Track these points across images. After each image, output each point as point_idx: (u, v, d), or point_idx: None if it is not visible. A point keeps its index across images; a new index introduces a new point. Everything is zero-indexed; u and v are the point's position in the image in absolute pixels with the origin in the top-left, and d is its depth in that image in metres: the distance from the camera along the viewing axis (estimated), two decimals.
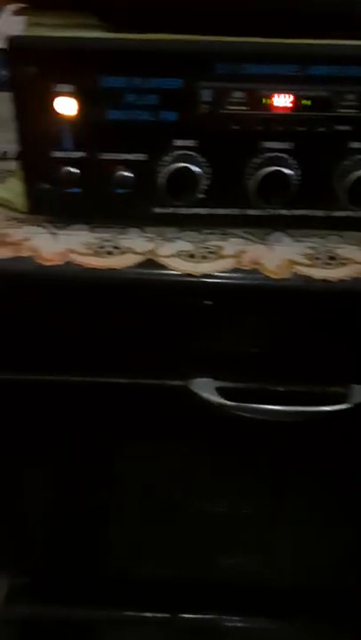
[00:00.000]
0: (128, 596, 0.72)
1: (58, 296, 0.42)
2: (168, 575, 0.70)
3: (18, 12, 0.57)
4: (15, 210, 0.48)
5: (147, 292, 0.41)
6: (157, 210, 0.44)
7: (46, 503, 0.64)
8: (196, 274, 0.40)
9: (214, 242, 0.44)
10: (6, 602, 0.70)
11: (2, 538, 0.69)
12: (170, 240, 0.44)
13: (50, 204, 0.45)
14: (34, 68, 0.39)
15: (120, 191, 0.43)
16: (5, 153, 0.53)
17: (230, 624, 0.72)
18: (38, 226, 0.46)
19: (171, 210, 0.44)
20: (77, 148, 0.42)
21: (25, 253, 0.42)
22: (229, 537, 0.65)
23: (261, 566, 0.68)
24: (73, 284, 0.41)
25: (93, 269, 0.41)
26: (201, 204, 0.44)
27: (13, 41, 0.38)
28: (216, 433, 0.50)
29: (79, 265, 0.41)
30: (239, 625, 0.72)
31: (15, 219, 0.47)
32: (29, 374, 0.46)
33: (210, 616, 0.72)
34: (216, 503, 0.63)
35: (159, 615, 0.71)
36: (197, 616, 0.71)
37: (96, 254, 0.42)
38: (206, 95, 0.40)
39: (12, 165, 0.54)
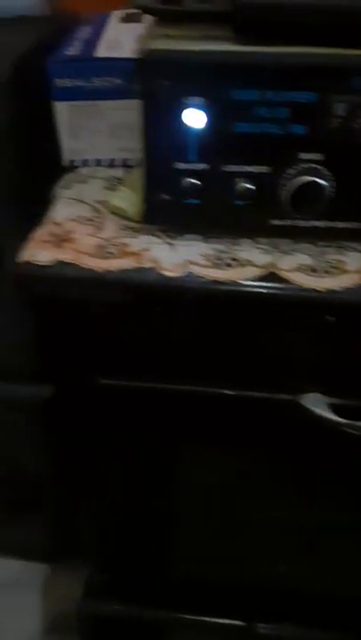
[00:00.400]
0: (200, 601, 0.73)
1: (178, 307, 0.42)
2: (242, 582, 0.70)
3: (126, 19, 0.59)
4: (128, 218, 0.49)
5: (268, 305, 0.41)
6: (275, 222, 0.44)
7: (133, 505, 0.65)
8: (321, 290, 0.40)
9: (334, 256, 0.43)
10: (84, 597, 0.72)
11: (86, 534, 0.70)
12: (287, 253, 0.44)
13: (167, 215, 0.45)
14: (166, 81, 0.39)
15: (240, 203, 0.43)
16: (126, 160, 0.54)
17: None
18: (152, 235, 0.46)
19: (289, 222, 0.44)
20: (201, 160, 0.42)
21: (146, 264, 0.42)
22: (312, 549, 0.64)
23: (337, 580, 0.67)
24: (194, 295, 0.41)
25: (214, 281, 0.41)
26: (320, 216, 0.44)
27: (148, 54, 0.39)
28: (317, 447, 0.49)
29: (200, 277, 0.41)
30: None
31: (129, 227, 0.48)
32: (143, 381, 0.46)
33: (281, 624, 0.72)
34: (298, 514, 0.62)
35: (232, 622, 0.71)
36: (270, 625, 0.71)
37: (215, 266, 0.42)
38: (340, 109, 0.39)
39: (119, 173, 0.55)
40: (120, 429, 0.52)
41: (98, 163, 0.55)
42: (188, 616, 0.73)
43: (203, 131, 0.41)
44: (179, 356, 0.45)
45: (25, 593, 0.85)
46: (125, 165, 0.56)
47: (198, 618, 0.73)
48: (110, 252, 0.44)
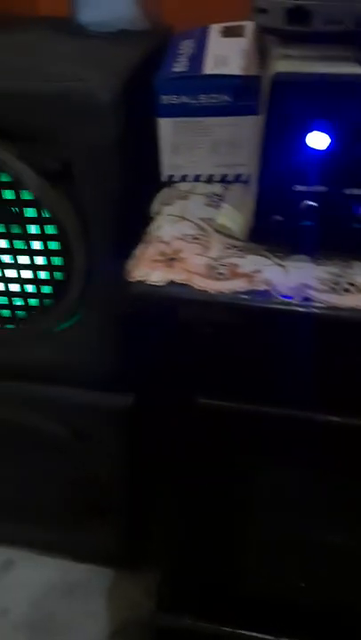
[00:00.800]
0: (266, 620, 0.72)
1: (289, 331, 0.42)
2: (309, 604, 0.69)
3: (227, 34, 0.58)
4: (232, 237, 0.49)
5: None
6: None
7: (206, 519, 0.65)
8: None
9: None
10: (157, 609, 0.72)
11: (157, 545, 0.71)
12: None
13: (278, 236, 0.45)
14: (293, 102, 0.39)
15: (358, 226, 0.42)
16: (225, 176, 0.54)
17: None
18: (261, 256, 0.46)
19: None
20: (321, 183, 0.41)
21: (260, 286, 0.42)
22: None
23: None
24: (312, 321, 0.40)
25: (333, 307, 0.40)
26: None
27: (278, 77, 0.38)
28: None
29: (317, 301, 0.41)
30: None
31: (235, 246, 0.47)
32: (242, 403, 0.46)
33: None
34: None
35: None
36: None
37: (333, 291, 0.41)
38: None
39: (217, 189, 0.55)
40: (210, 447, 0.52)
41: (196, 178, 0.55)
42: (256, 634, 0.72)
43: (325, 153, 0.40)
44: (284, 379, 0.45)
45: (91, 597, 0.86)
46: (223, 181, 0.55)
47: (265, 636, 0.72)
48: (221, 273, 0.44)
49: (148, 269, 0.44)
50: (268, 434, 0.50)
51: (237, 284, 0.42)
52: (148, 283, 0.43)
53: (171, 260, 0.45)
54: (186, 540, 0.68)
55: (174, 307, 0.43)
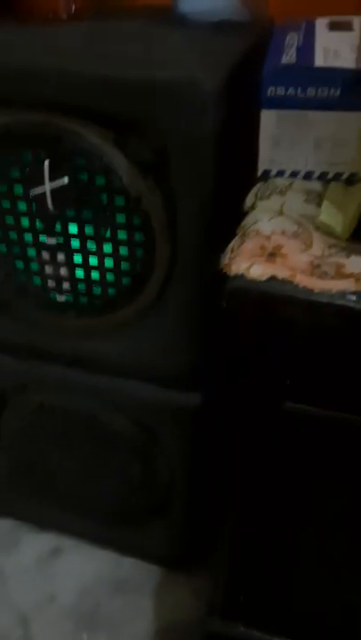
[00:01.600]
0: (315, 635, 0.69)
1: None
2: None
3: (334, 27, 0.56)
4: (334, 236, 0.47)
5: None
6: None
7: (268, 528, 0.63)
8: None
9: None
10: (209, 615, 0.71)
11: (221, 551, 0.69)
12: None
13: None
14: None
15: None
16: (325, 174, 0.52)
17: None
18: None
19: None
20: None
21: None
22: None
23: None
24: None
25: None
26: None
27: None
28: None
29: None
30: None
31: (337, 245, 0.45)
32: (332, 410, 0.44)
33: None
34: None
35: None
36: None
37: None
38: None
39: (314, 186, 0.53)
40: (289, 453, 0.50)
41: (294, 174, 0.53)
42: None
43: None
44: None
45: (139, 593, 0.85)
46: (322, 179, 0.53)
47: None
48: (325, 272, 0.42)
49: (247, 264, 0.43)
50: (354, 445, 0.47)
51: (344, 285, 0.40)
52: (248, 278, 0.42)
53: (271, 255, 0.44)
54: (248, 548, 0.67)
55: (273, 304, 0.41)
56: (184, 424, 0.70)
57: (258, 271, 0.42)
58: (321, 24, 0.58)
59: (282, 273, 0.41)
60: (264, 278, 0.41)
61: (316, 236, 0.46)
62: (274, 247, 0.44)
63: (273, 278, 0.41)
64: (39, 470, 0.84)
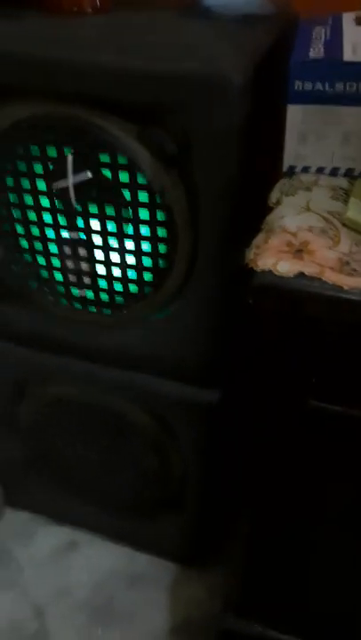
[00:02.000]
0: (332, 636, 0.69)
1: None
2: None
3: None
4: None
5: None
6: None
7: (285, 526, 0.62)
8: None
9: None
10: (224, 612, 0.71)
11: (238, 549, 0.69)
12: None
13: None
14: None
15: None
16: (351, 170, 0.51)
17: None
18: None
19: None
20: None
21: None
22: None
23: None
24: None
25: None
26: None
27: None
28: None
29: None
30: None
31: None
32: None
33: None
34: None
35: None
36: None
37: None
38: None
39: (340, 182, 0.53)
40: (310, 452, 0.49)
41: (320, 170, 0.53)
42: None
43: None
44: None
45: (153, 589, 0.86)
46: (348, 175, 0.53)
47: None
48: (355, 270, 0.41)
49: (274, 260, 0.43)
50: None
51: None
52: (275, 274, 0.41)
53: (298, 251, 0.43)
54: (263, 546, 0.66)
55: (301, 300, 0.41)
56: (201, 419, 0.70)
57: (285, 267, 0.41)
58: (348, 18, 0.57)
59: (310, 269, 0.41)
60: (292, 275, 0.41)
61: (344, 233, 0.45)
62: (301, 243, 0.44)
63: (301, 275, 0.41)
64: (56, 462, 0.84)
